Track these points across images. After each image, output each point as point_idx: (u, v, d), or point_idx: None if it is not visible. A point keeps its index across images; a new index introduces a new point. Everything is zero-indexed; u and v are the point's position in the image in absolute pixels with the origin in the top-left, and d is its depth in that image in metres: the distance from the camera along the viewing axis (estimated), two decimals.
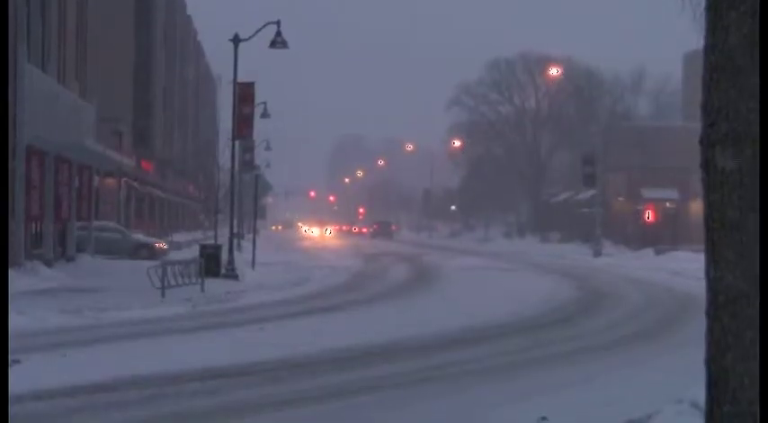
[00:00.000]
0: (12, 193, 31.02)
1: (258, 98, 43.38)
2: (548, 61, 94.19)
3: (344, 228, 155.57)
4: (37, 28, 36.06)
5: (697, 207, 59.94)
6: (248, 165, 51.09)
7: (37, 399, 12.97)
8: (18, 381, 12.65)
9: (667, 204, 76.00)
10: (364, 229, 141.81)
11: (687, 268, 42.49)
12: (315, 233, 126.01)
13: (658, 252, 64.36)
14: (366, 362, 17.43)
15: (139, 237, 52.62)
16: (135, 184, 68.15)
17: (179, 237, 79.69)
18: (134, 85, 75.26)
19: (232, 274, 35.52)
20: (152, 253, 48.81)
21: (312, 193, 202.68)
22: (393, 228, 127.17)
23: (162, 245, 52.24)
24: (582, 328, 23.96)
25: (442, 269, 49.69)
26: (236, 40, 36.44)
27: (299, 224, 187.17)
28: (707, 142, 6.01)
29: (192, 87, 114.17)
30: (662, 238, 70.01)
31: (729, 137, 5.90)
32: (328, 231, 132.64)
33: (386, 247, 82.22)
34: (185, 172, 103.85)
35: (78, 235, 46.50)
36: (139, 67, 76.65)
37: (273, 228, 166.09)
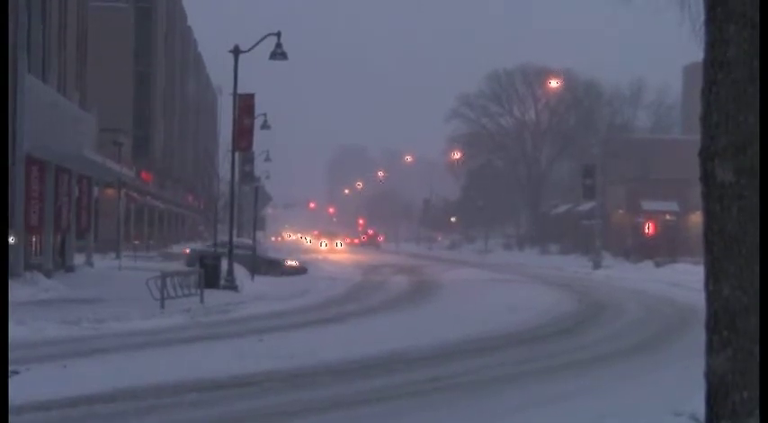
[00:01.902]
0: (11, 202, 31.03)
1: (258, 109, 43.41)
2: (547, 73, 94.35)
3: (348, 240, 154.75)
4: (37, 38, 36.11)
5: (696, 219, 60.01)
6: (248, 176, 51.16)
7: (36, 410, 12.95)
8: (17, 392, 12.63)
9: (667, 216, 76.05)
10: (356, 241, 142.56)
11: (687, 280, 42.49)
12: (324, 246, 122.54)
13: (658, 264, 64.34)
14: (365, 373, 17.42)
15: (270, 254, 52.22)
16: (134, 194, 68.18)
17: (178, 247, 79.68)
18: (134, 96, 75.41)
19: (232, 286, 35.49)
20: (280, 269, 48.68)
21: (312, 205, 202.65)
22: (379, 239, 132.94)
23: (292, 262, 51.41)
24: (582, 339, 23.94)
25: (442, 280, 49.65)
26: (236, 52, 36.46)
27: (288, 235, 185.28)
28: (706, 155, 6.02)
29: (193, 98, 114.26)
30: (661, 250, 70.00)
31: (729, 150, 5.91)
32: (339, 244, 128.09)
33: (385, 259, 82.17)
34: (185, 183, 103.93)
35: (212, 252, 47.04)
36: (140, 77, 76.82)
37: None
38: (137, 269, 44.88)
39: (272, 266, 49.43)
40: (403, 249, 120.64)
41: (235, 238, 46.04)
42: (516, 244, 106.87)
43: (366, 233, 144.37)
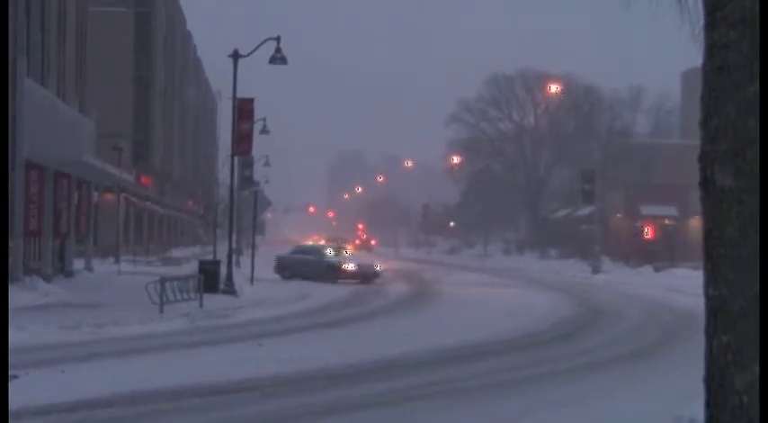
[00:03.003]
0: (11, 207, 31.01)
1: (258, 114, 43.42)
2: (547, 78, 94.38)
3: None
4: (37, 42, 36.12)
5: (696, 224, 60.02)
6: (247, 181, 51.12)
7: (35, 415, 12.94)
8: (16, 396, 12.60)
9: (666, 221, 76.04)
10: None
11: (686, 285, 42.51)
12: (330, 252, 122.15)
13: (657, 269, 64.36)
14: (365, 378, 17.41)
15: (331, 259, 50.17)
16: (134, 199, 68.17)
17: (178, 252, 79.71)
18: (133, 100, 75.42)
19: (231, 290, 35.47)
20: (337, 274, 47.54)
21: (312, 209, 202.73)
22: (372, 243, 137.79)
23: (349, 266, 48.92)
24: (580, 345, 23.92)
25: (441, 285, 49.65)
26: (235, 56, 36.47)
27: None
28: (706, 160, 6.01)
29: (192, 103, 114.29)
30: (661, 255, 70.00)
31: (728, 154, 5.90)
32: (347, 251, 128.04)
33: (385, 264, 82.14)
34: (184, 187, 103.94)
35: (290, 258, 48.84)
36: (139, 82, 76.82)
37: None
38: (136, 274, 44.91)
39: (332, 270, 47.98)
40: (402, 254, 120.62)
41: (308, 243, 46.33)
42: (515, 248, 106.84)
43: (359, 238, 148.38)
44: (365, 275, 48.29)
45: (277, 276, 48.79)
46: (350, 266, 48.83)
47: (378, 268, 50.20)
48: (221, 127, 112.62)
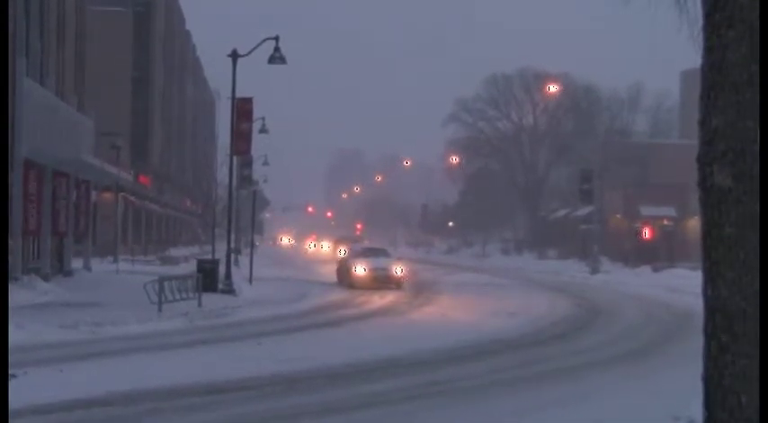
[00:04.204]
0: (10, 206, 30.99)
1: (256, 113, 43.38)
2: (545, 77, 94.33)
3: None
4: (36, 42, 36.11)
5: (694, 224, 59.99)
6: (246, 180, 51.05)
7: (33, 413, 12.95)
8: (15, 395, 12.59)
9: (665, 222, 76.04)
10: None
11: (685, 285, 42.50)
12: (343, 253, 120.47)
13: (656, 269, 64.35)
14: (363, 378, 17.41)
15: (350, 263, 46.19)
16: (132, 198, 68.15)
17: (176, 251, 79.69)
18: (132, 100, 75.40)
19: (229, 290, 35.46)
20: (354, 279, 44.42)
21: (310, 209, 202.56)
22: (366, 243, 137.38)
23: (363, 270, 44.25)
24: (578, 344, 23.93)
25: (439, 285, 49.60)
26: (234, 56, 36.46)
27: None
28: (704, 160, 6.03)
29: (191, 102, 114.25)
30: (659, 255, 70.00)
31: (727, 155, 5.91)
32: (342, 252, 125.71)
33: None
34: (183, 187, 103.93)
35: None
36: (138, 81, 76.81)
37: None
38: (134, 273, 44.87)
39: (349, 277, 45.20)
40: (401, 254, 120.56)
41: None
42: (514, 248, 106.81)
43: (351, 237, 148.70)
44: (387, 281, 44.38)
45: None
46: (365, 270, 44.48)
47: (400, 273, 45.17)
48: (220, 126, 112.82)
